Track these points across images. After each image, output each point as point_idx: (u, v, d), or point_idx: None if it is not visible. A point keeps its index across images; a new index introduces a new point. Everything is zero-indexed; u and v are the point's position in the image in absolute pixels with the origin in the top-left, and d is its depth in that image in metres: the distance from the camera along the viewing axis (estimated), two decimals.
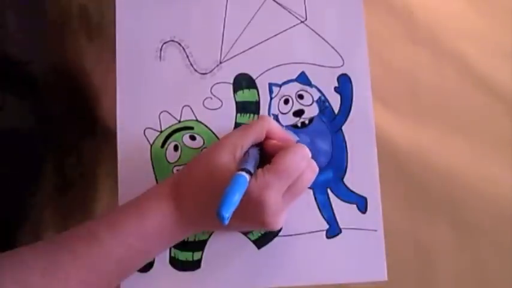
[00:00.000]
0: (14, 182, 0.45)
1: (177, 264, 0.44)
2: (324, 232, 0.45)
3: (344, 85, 0.47)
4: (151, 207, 0.38)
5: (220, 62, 0.47)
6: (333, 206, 0.45)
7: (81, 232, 0.37)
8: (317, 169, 0.40)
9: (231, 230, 0.43)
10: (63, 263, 0.35)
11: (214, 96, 0.47)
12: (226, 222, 0.33)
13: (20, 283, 0.34)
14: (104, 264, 0.36)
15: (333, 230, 0.45)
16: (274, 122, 0.43)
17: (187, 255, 0.44)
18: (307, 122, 0.46)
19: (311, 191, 0.45)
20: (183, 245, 0.44)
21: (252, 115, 0.46)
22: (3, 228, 0.44)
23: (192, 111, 0.46)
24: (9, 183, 0.45)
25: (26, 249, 0.36)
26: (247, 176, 0.35)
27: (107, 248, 0.36)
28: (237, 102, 0.46)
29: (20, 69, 0.47)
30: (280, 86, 0.47)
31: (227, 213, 0.33)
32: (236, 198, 0.33)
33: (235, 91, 0.47)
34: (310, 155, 0.39)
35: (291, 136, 0.44)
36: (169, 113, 0.46)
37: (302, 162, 0.38)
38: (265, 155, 0.41)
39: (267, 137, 0.41)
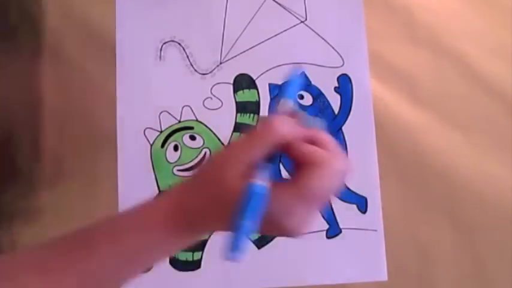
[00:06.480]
0: (12, 181, 0.45)
1: (177, 264, 0.44)
2: (324, 232, 0.45)
3: (344, 85, 0.47)
4: (153, 224, 0.36)
5: (221, 63, 0.47)
6: (333, 206, 0.45)
7: (79, 237, 0.37)
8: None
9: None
10: (58, 265, 0.35)
11: (214, 96, 0.47)
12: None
13: (12, 280, 0.33)
14: (100, 272, 0.35)
15: (333, 230, 0.45)
16: (288, 123, 0.29)
17: (187, 255, 0.44)
18: None
19: None
20: None
21: (252, 115, 0.46)
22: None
23: (192, 111, 0.46)
24: (7, 182, 0.45)
25: (21, 251, 0.36)
26: (263, 184, 0.28)
27: (104, 258, 0.35)
28: (237, 103, 0.46)
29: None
30: (280, 86, 0.47)
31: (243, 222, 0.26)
32: (253, 211, 0.27)
33: (235, 91, 0.47)
34: (346, 167, 0.29)
35: (317, 129, 0.30)
36: (169, 113, 0.46)
37: (334, 180, 0.28)
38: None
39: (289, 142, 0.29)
